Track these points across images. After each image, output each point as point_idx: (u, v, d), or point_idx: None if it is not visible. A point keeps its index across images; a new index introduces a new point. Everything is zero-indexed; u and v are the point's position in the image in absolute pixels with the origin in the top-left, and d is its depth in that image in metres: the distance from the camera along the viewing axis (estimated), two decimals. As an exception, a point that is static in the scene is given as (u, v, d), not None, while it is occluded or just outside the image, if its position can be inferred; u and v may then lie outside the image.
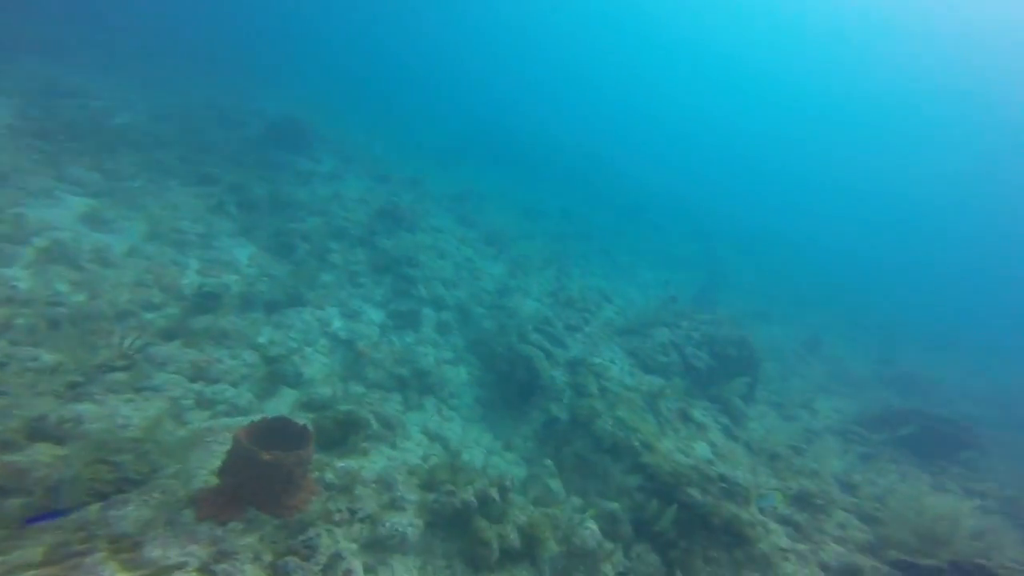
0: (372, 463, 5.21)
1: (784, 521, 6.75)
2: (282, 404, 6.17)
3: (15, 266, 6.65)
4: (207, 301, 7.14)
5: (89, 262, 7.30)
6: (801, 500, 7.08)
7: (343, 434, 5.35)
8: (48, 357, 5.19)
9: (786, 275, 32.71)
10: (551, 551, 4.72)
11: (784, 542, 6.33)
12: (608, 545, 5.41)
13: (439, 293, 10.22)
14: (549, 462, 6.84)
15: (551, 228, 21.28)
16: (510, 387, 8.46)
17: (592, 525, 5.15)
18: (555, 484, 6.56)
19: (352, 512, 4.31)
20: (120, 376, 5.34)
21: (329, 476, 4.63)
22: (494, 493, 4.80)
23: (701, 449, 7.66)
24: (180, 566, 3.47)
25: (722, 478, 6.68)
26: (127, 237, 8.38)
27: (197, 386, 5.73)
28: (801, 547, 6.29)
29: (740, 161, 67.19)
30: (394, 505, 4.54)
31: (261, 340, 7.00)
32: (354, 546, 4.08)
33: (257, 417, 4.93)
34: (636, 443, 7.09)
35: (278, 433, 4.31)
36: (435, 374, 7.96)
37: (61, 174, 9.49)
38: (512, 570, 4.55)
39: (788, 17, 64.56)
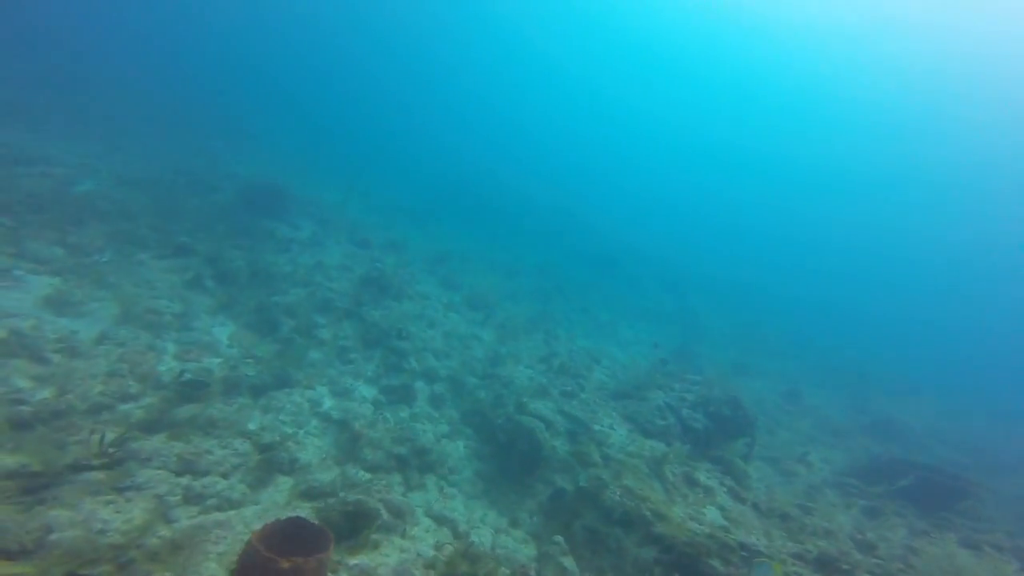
0: (386, 558, 4.93)
1: (807, 588, 6.72)
2: (278, 493, 5.83)
3: (-30, 360, 6.25)
4: (191, 389, 6.85)
5: (54, 352, 6.92)
6: (824, 565, 7.10)
7: (352, 526, 5.09)
8: (9, 460, 4.80)
9: (756, 326, 34.43)
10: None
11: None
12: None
13: (431, 365, 10.18)
14: (560, 538, 6.65)
15: (530, 285, 21.87)
16: (510, 459, 8.31)
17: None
18: (568, 563, 6.35)
19: (373, 618, 4.04)
20: (97, 475, 4.97)
21: (343, 577, 4.36)
22: (520, 583, 4.63)
23: (712, 514, 7.66)
24: None
25: (742, 546, 6.68)
26: (96, 321, 8.04)
27: (185, 480, 5.38)
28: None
29: (708, 216, 72.65)
30: (417, 606, 4.29)
31: (251, 427, 6.70)
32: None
33: (269, 519, 4.68)
34: (647, 512, 7.03)
35: (291, 535, 4.10)
36: (435, 451, 7.76)
37: (21, 251, 9.18)
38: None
39: (753, 80, 73.48)
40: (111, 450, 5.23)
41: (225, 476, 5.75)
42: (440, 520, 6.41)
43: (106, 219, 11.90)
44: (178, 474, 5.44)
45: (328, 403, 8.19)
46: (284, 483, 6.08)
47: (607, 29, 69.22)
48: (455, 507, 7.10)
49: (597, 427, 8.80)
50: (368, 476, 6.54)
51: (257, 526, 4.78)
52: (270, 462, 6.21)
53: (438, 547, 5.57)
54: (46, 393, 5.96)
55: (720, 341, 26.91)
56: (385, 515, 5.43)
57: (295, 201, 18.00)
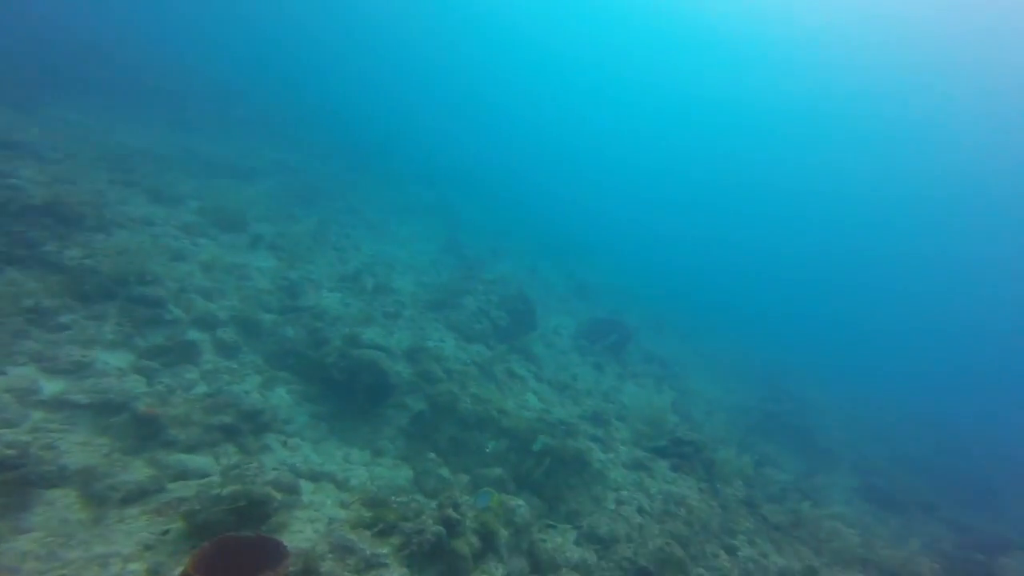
0: (307, 533, 4.47)
1: (594, 439, 9.73)
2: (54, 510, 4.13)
3: None
4: None
5: None
6: (595, 419, 10.35)
7: (254, 519, 4.27)
8: None
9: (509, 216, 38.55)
10: (504, 537, 5.58)
11: (600, 456, 9.26)
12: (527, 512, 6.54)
13: (203, 309, 8.09)
14: (433, 455, 7.35)
15: (278, 188, 18.55)
16: (352, 395, 8.07)
17: (520, 501, 6.22)
18: (445, 472, 7.20)
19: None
20: None
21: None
22: (451, 512, 5.11)
23: (532, 400, 9.82)
24: None
25: (561, 423, 9.01)
26: None
27: None
28: (611, 455, 9.36)
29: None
30: (372, 564, 4.30)
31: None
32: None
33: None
34: (494, 413, 8.45)
35: (230, 551, 3.31)
36: (268, 411, 6.77)
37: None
38: (484, 567, 5.20)
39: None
40: None
41: None
42: (314, 476, 5.99)
43: None
44: None
45: (52, 387, 5.67)
46: (60, 498, 4.33)
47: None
48: (310, 457, 6.63)
49: (430, 343, 9.39)
50: (206, 460, 5.31)
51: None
52: (24, 480, 4.24)
53: (344, 505, 5.33)
54: None
55: (479, 231, 29.94)
56: (279, 496, 4.70)
57: None
